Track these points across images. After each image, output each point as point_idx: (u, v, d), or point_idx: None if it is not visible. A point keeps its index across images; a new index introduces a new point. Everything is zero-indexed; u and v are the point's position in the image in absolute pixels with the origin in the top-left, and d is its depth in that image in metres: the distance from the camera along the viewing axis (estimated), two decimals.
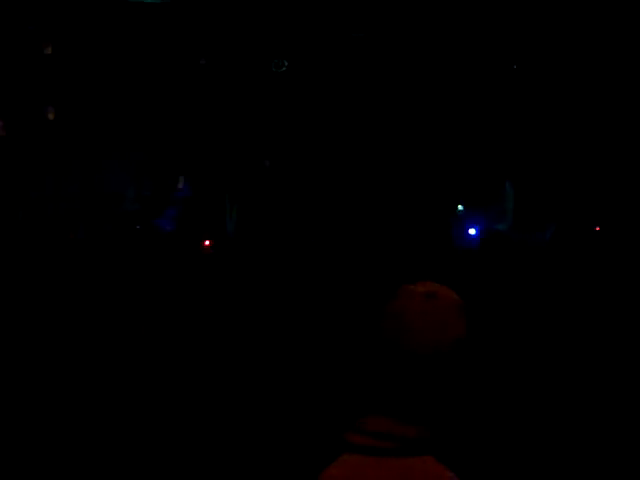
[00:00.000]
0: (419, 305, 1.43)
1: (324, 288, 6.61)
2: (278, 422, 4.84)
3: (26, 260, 6.52)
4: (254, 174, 7.62)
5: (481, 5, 6.72)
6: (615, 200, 7.26)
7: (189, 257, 7.37)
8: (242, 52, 7.54)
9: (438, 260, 7.10)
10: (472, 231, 7.64)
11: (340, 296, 6.44)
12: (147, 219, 7.59)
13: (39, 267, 6.52)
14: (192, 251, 7.45)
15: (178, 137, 7.78)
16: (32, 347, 5.80)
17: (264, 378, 5.40)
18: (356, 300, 6.22)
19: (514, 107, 7.23)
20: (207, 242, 7.59)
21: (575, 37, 6.69)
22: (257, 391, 5.29)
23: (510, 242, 7.41)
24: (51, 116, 6.87)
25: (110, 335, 6.11)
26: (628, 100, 6.82)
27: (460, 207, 7.56)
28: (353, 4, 6.99)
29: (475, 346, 1.42)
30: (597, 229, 7.29)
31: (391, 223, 7.31)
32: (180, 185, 7.78)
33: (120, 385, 5.59)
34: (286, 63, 7.04)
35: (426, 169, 7.46)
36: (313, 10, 7.02)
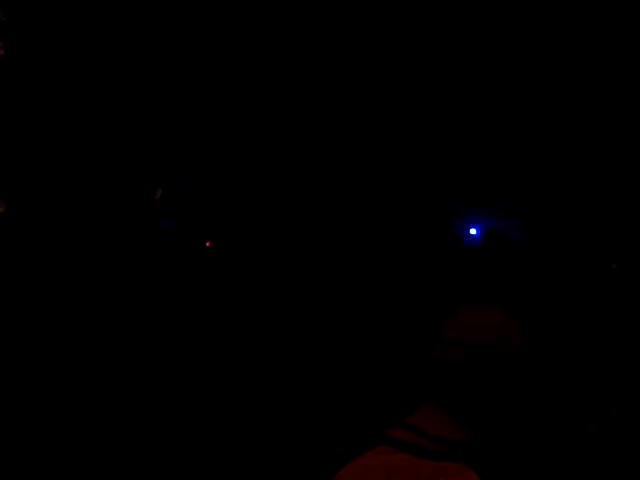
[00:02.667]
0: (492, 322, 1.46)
1: (326, 284, 6.61)
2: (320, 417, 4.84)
3: (27, 257, 6.50)
4: (251, 174, 7.61)
5: (481, 5, 6.73)
6: (613, 204, 7.28)
7: (190, 256, 7.35)
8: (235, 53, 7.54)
9: (439, 259, 7.11)
10: (473, 231, 7.64)
11: (342, 292, 6.44)
12: (148, 219, 7.56)
13: (39, 267, 6.50)
14: (193, 250, 7.43)
15: (173, 137, 7.76)
16: (31, 341, 5.78)
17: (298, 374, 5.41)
18: (361, 298, 6.22)
19: (514, 108, 7.24)
20: (208, 243, 7.57)
21: (575, 41, 6.71)
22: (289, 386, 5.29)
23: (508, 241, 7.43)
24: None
25: (110, 334, 6.10)
26: (628, 103, 6.84)
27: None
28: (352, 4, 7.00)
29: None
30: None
31: (391, 223, 7.31)
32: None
33: (120, 381, 5.58)
34: None
35: (426, 169, 7.46)
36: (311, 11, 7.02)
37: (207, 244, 7.52)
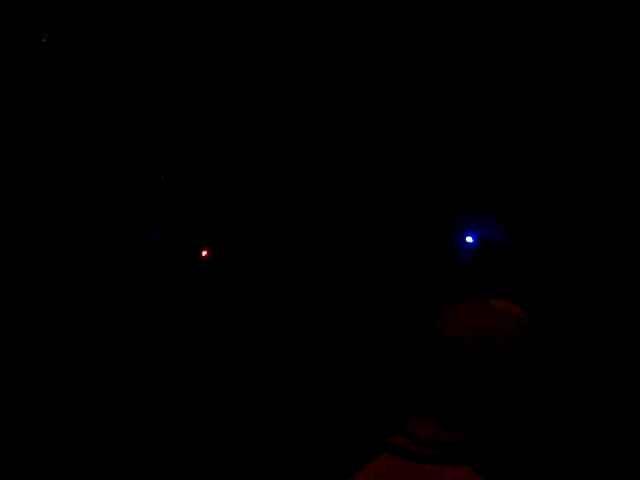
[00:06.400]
0: (477, 312, 1.44)
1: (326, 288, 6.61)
2: (321, 421, 4.82)
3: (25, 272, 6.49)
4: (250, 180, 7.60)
5: (481, 6, 6.72)
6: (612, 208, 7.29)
7: (185, 267, 7.33)
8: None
9: (437, 268, 7.11)
10: (469, 239, 7.64)
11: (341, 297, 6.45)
12: (140, 231, 7.54)
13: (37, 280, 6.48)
14: (189, 261, 7.41)
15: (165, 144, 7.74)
16: (28, 355, 5.75)
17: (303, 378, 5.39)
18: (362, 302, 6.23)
19: (511, 116, 7.27)
20: (204, 252, 7.54)
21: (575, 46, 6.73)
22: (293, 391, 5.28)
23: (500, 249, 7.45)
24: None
25: (107, 346, 6.09)
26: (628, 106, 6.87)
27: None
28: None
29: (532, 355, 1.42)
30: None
31: (388, 229, 7.32)
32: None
33: (117, 387, 5.57)
34: None
35: (424, 176, 7.48)
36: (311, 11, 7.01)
37: (203, 253, 7.50)
